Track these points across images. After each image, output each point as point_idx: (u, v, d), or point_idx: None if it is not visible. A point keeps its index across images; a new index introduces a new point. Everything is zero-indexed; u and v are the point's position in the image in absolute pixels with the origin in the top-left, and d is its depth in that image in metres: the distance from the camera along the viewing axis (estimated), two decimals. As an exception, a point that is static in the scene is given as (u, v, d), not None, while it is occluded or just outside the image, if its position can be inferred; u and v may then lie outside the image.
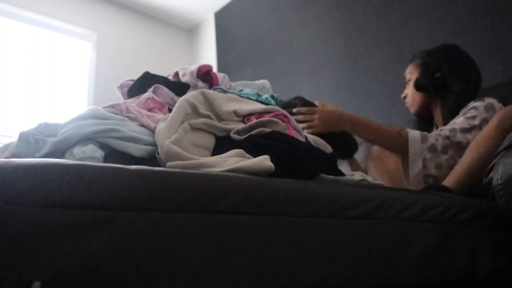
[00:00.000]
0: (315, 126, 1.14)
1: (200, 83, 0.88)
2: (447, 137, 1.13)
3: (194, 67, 0.88)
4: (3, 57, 2.55)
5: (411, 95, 1.36)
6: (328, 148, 0.88)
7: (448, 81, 1.24)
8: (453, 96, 1.23)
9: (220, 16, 3.25)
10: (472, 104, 1.18)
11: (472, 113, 1.15)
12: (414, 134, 1.15)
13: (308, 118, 1.16)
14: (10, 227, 0.34)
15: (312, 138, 0.85)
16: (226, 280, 0.44)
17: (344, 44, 2.25)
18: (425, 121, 1.41)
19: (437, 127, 1.34)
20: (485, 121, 1.11)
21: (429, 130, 1.36)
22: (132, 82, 0.90)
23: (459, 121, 1.15)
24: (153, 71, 0.92)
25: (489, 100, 1.16)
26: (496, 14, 1.63)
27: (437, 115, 1.33)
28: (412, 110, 1.38)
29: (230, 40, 3.10)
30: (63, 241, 0.36)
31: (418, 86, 1.30)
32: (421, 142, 1.13)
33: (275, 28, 2.71)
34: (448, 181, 1.05)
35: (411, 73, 1.36)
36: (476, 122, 1.12)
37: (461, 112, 1.19)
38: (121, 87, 0.91)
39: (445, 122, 1.28)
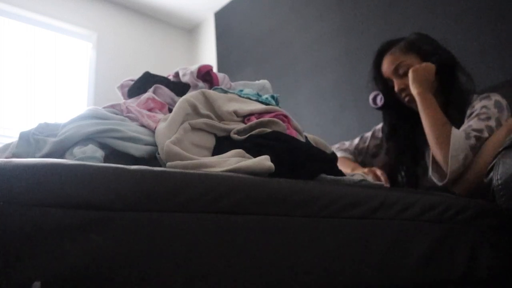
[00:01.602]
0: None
1: (201, 83, 0.88)
2: (479, 138, 1.04)
3: (194, 67, 0.88)
4: (3, 57, 2.55)
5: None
6: (328, 148, 0.88)
7: (450, 67, 1.19)
8: (458, 87, 1.19)
9: (220, 16, 3.25)
10: (479, 103, 1.12)
11: (485, 114, 1.08)
12: (457, 130, 1.06)
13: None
14: (10, 227, 0.34)
15: (312, 138, 0.85)
16: (226, 280, 0.44)
17: (344, 44, 2.25)
18: (405, 121, 1.31)
19: None
20: (498, 121, 1.06)
21: (411, 135, 1.30)
22: (132, 82, 0.90)
23: (475, 124, 1.06)
24: (153, 71, 0.92)
25: (495, 97, 1.12)
26: (496, 14, 1.63)
27: None
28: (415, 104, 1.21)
29: (230, 40, 3.10)
30: (63, 241, 0.36)
31: (439, 65, 1.18)
32: (465, 139, 1.03)
33: (275, 28, 2.71)
34: None
35: (405, 61, 1.22)
36: (492, 123, 1.05)
37: (468, 112, 1.13)
38: (121, 87, 0.91)
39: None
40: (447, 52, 1.23)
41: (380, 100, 1.32)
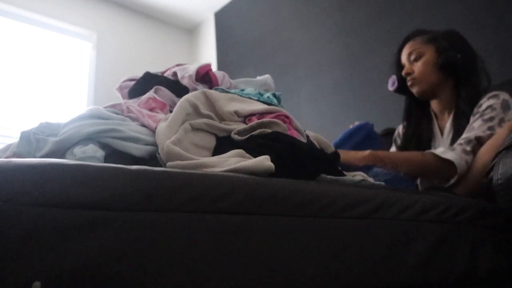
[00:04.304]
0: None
1: (200, 86, 0.88)
2: (470, 141, 1.07)
3: (192, 69, 0.87)
4: (3, 57, 2.55)
5: (422, 72, 1.25)
6: (330, 147, 0.88)
7: (469, 67, 1.21)
8: (472, 85, 1.20)
9: (220, 16, 3.25)
10: (486, 102, 1.13)
11: (489, 113, 1.09)
12: (438, 148, 1.09)
13: None
14: (10, 227, 0.34)
15: (314, 136, 0.85)
16: (226, 280, 0.44)
17: (344, 44, 2.25)
18: (417, 108, 1.35)
19: (436, 117, 1.31)
20: (502, 121, 1.08)
21: (419, 122, 1.34)
22: (130, 82, 0.90)
23: (477, 126, 1.09)
24: (153, 71, 0.92)
25: (503, 96, 1.12)
26: (496, 13, 1.63)
27: (440, 102, 1.28)
28: (419, 88, 1.27)
29: (230, 40, 3.10)
30: (63, 241, 0.36)
31: (448, 62, 1.20)
32: (450, 151, 1.06)
33: (275, 28, 2.71)
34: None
35: (420, 49, 1.26)
36: (495, 123, 1.07)
37: (475, 110, 1.14)
38: (120, 88, 0.91)
39: (447, 112, 1.26)
40: (469, 52, 1.24)
41: (394, 84, 1.37)
